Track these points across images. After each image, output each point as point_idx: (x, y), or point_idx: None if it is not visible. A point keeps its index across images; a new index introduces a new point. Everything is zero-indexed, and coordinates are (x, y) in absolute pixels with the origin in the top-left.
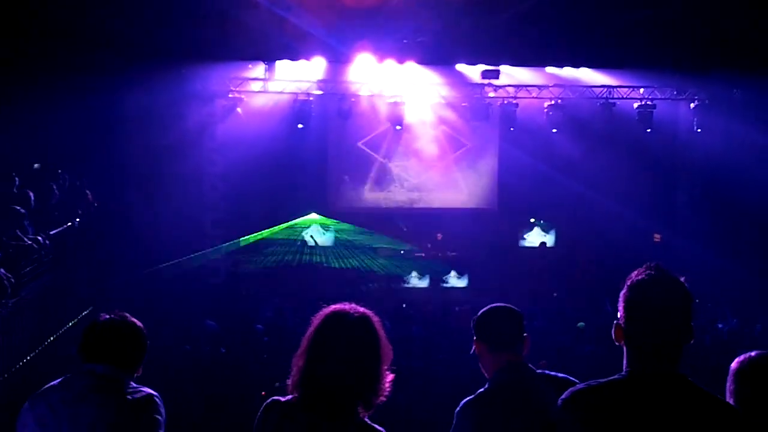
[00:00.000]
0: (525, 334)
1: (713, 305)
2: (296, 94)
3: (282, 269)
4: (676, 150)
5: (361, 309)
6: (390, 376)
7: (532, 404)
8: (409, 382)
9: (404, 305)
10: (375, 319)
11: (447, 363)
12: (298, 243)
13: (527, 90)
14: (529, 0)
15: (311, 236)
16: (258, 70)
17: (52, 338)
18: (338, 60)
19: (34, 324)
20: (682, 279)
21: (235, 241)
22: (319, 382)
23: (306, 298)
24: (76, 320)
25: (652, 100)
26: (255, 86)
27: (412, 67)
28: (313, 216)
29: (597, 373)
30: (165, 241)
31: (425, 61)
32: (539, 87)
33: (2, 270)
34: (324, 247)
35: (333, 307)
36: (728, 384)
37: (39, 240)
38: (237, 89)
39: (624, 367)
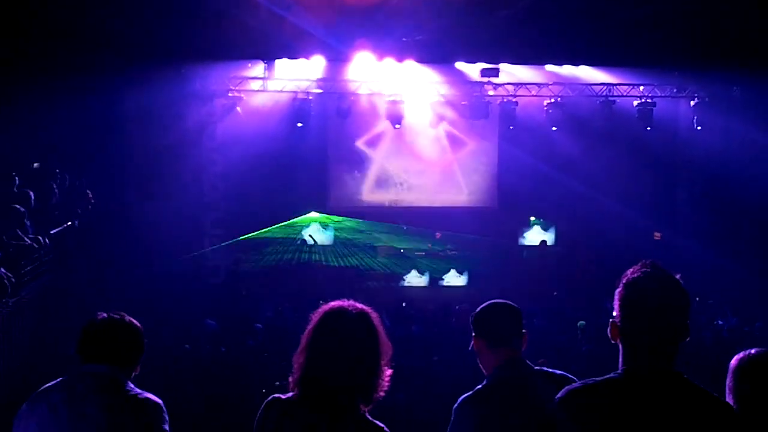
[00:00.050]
0: (523, 331)
1: (713, 303)
2: (296, 92)
3: (281, 268)
4: (676, 148)
5: (360, 305)
6: (389, 372)
7: (531, 401)
8: (409, 382)
9: (404, 304)
10: (374, 315)
11: (447, 362)
12: (298, 242)
13: (527, 88)
14: None
15: (310, 235)
16: (257, 69)
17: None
18: (337, 59)
19: (34, 324)
20: (678, 276)
21: (234, 240)
22: (318, 379)
23: (305, 297)
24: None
25: (652, 97)
26: (254, 85)
27: (411, 65)
28: (313, 215)
29: (597, 372)
30: (165, 240)
31: (424, 59)
32: (539, 85)
33: (2, 269)
34: (323, 246)
35: (332, 303)
36: (728, 381)
37: (39, 239)
38: (236, 88)
39: (620, 365)
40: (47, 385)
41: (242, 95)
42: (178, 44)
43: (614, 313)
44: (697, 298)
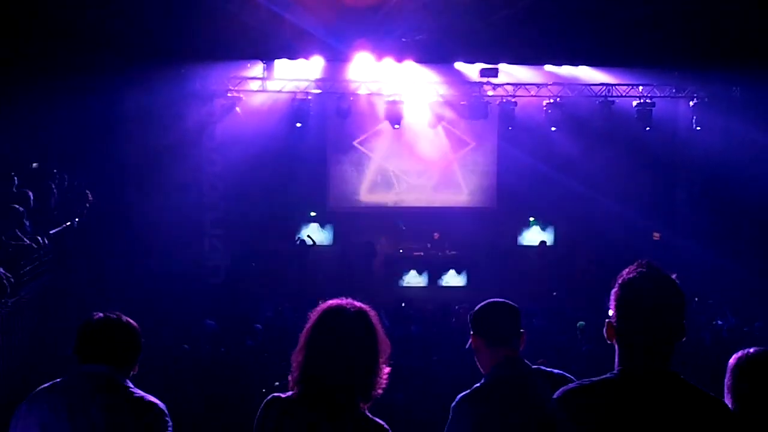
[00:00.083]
0: (522, 330)
1: (713, 303)
2: (295, 93)
3: (281, 268)
4: (675, 148)
5: (358, 304)
6: (387, 370)
7: (529, 400)
8: (408, 382)
9: (403, 304)
10: (372, 313)
11: (446, 362)
12: (297, 242)
13: (526, 88)
14: None
15: (309, 235)
16: (257, 69)
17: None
18: (337, 59)
19: (33, 324)
20: (674, 276)
21: (234, 240)
22: (317, 378)
23: (305, 297)
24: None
25: (651, 98)
26: (254, 85)
27: (410, 65)
28: (312, 215)
29: (597, 372)
30: (165, 240)
31: (424, 59)
32: (538, 85)
33: (2, 269)
34: (322, 246)
35: (330, 302)
36: (726, 380)
37: (38, 239)
38: (236, 88)
39: (616, 366)
40: (45, 385)
41: (241, 95)
42: (178, 44)
43: (610, 313)
44: (697, 299)
